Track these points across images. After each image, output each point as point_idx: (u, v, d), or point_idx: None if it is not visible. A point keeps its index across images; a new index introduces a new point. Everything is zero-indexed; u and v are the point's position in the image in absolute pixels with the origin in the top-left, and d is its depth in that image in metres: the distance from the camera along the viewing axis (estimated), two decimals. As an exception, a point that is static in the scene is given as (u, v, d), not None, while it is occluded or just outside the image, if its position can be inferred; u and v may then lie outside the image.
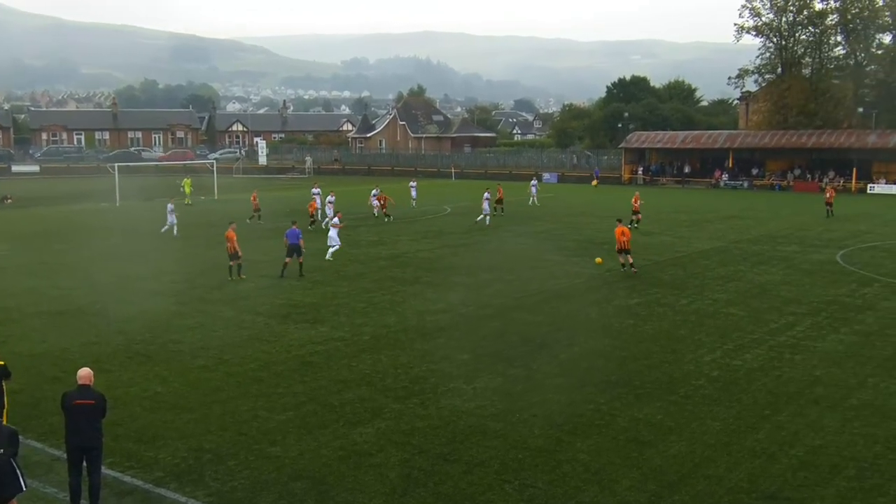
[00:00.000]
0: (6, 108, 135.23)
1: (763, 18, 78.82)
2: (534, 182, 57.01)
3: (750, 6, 78.99)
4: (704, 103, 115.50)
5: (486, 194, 43.51)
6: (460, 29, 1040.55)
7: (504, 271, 28.64)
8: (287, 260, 27.74)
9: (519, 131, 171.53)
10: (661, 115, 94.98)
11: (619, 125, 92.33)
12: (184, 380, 16.31)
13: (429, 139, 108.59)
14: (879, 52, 77.12)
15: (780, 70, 78.67)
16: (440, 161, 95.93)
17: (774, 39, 78.91)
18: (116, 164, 60.06)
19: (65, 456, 11.15)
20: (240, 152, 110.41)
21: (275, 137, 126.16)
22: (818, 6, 77.34)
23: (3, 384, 12.41)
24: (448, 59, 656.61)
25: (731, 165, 75.42)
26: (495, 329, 20.52)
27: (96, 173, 79.68)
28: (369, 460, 12.41)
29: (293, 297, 24.31)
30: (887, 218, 46.95)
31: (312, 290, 25.26)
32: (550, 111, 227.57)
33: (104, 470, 11.33)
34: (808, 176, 71.74)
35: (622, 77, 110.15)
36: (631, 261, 28.20)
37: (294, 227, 28.45)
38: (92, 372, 11.16)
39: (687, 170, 77.76)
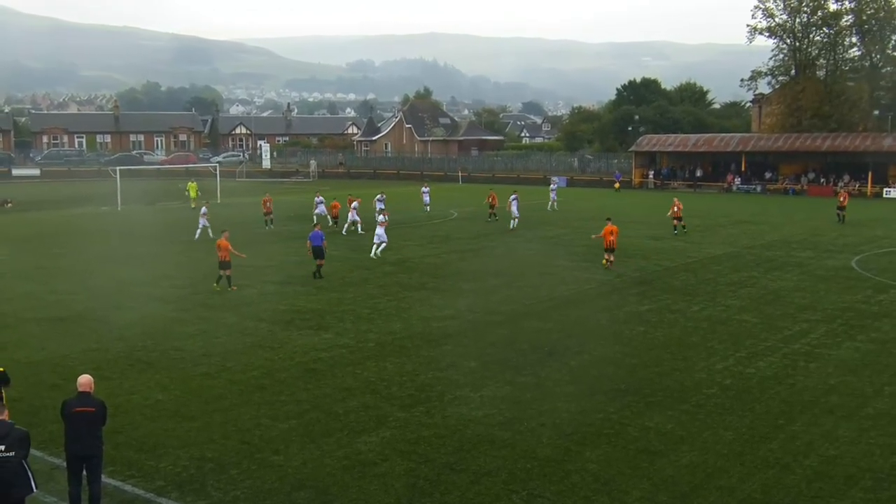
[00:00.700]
0: (6, 110, 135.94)
1: (776, 19, 78.84)
2: (553, 186, 56.90)
3: (763, 7, 79.02)
4: (716, 106, 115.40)
5: (513, 196, 43.59)
6: (467, 30, 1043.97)
7: (513, 277, 28.62)
8: (320, 262, 28.19)
9: (527, 134, 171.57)
10: (672, 117, 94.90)
11: (630, 128, 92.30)
12: (185, 387, 16.32)
13: (435, 142, 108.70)
14: (895, 53, 76.98)
15: (793, 72, 78.61)
16: (447, 164, 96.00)
17: (788, 41, 78.86)
18: (118, 168, 60.24)
19: (64, 464, 11.17)
20: (243, 156, 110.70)
21: (279, 140, 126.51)
22: (833, 7, 77.31)
23: (3, 391, 12.43)
24: (455, 61, 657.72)
25: (743, 169, 75.31)
26: (503, 336, 20.49)
27: (97, 177, 79.91)
28: (374, 470, 12.39)
29: (297, 303, 24.33)
30: (904, 223, 46.79)
31: (317, 296, 25.27)
32: (559, 114, 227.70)
33: (104, 479, 11.34)
34: (823, 180, 71.59)
35: (632, 79, 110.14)
36: (612, 259, 30.27)
37: (317, 229, 28.85)
38: (92, 379, 11.17)
39: (699, 174, 77.67)
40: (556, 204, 54.13)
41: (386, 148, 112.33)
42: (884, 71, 77.12)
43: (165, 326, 21.26)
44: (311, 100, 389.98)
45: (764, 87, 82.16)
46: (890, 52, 77.33)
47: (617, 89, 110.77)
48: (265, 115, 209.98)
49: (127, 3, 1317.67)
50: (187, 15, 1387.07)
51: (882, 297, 25.40)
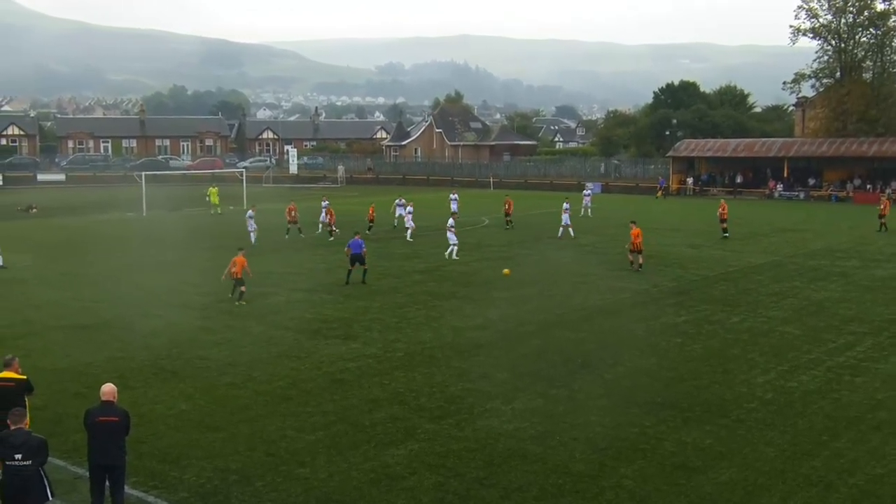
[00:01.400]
0: (32, 115, 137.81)
1: (820, 20, 77.99)
2: (587, 192, 56.69)
3: (806, 7, 78.21)
4: (758, 109, 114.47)
5: (565, 205, 43.52)
6: (500, 32, 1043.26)
7: (545, 286, 28.56)
8: (350, 268, 28.54)
9: (561, 139, 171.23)
10: (711, 121, 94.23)
11: (667, 132, 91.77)
12: (210, 397, 16.44)
13: (466, 147, 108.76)
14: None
15: (838, 74, 77.69)
16: (478, 170, 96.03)
17: (833, 42, 77.97)
18: (143, 173, 60.94)
19: (87, 474, 11.28)
20: (270, 161, 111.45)
21: (306, 145, 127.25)
22: (880, 7, 76.29)
23: (27, 399, 12.60)
24: (487, 64, 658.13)
25: (786, 175, 74.56)
26: (536, 347, 20.44)
27: (123, 182, 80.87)
28: (401, 483, 12.40)
29: (324, 311, 24.43)
30: (955, 231, 46.06)
31: (344, 305, 25.36)
32: (594, 118, 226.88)
33: (127, 489, 11.44)
34: (869, 186, 70.69)
35: (670, 82, 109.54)
36: (641, 261, 31.24)
37: (357, 237, 29.14)
38: (116, 388, 11.29)
39: (739, 180, 77.00)
40: (590, 211, 53.94)
41: (415, 153, 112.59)
42: (934, 73, 76.07)
43: (191, 335, 21.45)
44: (339, 104, 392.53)
45: (807, 89, 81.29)
46: (940, 53, 76.23)
47: (654, 92, 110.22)
48: (293, 119, 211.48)
49: (154, 6, 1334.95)
50: (215, 18, 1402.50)
51: (932, 308, 25.01)
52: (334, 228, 42.49)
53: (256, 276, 29.41)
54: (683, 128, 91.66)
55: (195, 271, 31.48)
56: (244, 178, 65.67)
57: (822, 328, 22.37)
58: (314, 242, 40.43)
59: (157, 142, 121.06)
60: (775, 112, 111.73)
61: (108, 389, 11.15)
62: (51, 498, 10.13)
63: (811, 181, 73.77)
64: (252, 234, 39.55)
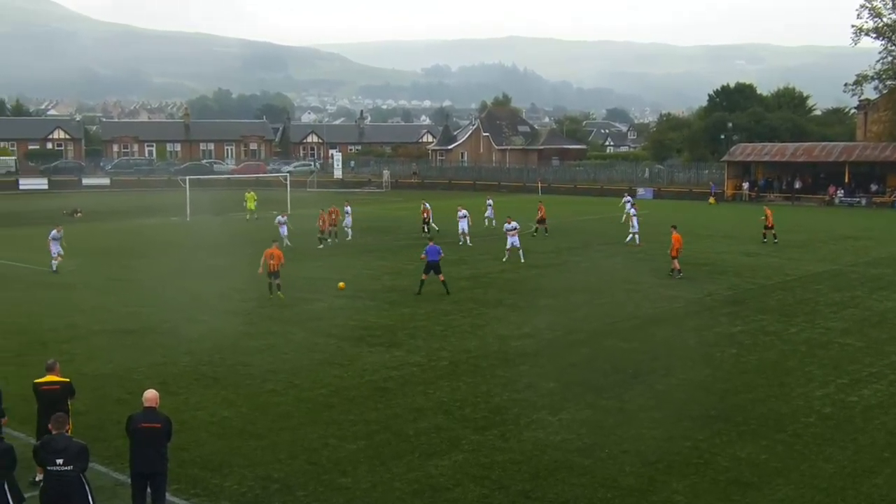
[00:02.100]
0: (78, 119, 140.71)
1: (884, 19, 76.47)
2: (627, 199, 56.29)
3: (869, 6, 76.75)
4: (817, 112, 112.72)
5: (632, 210, 43.23)
6: (549, 34, 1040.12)
7: (595, 294, 28.40)
8: (424, 276, 28.31)
9: (611, 143, 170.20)
10: (768, 125, 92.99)
11: (722, 136, 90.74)
12: (252, 404, 16.59)
13: (514, 151, 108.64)
14: None
15: (903, 75, 76.16)
16: (525, 175, 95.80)
17: (897, 42, 76.48)
18: (187, 177, 61.75)
19: (129, 481, 11.45)
20: (314, 165, 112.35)
21: (351, 149, 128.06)
22: (947, 4, 74.76)
23: (69, 403, 12.83)
24: (535, 66, 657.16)
25: (847, 181, 73.30)
26: (584, 356, 20.33)
27: (167, 186, 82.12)
28: (445, 495, 12.39)
29: (368, 318, 24.54)
30: None
31: (388, 312, 25.46)
32: (646, 121, 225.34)
33: (168, 496, 11.58)
34: (936, 192, 69.19)
35: (725, 84, 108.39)
36: (675, 267, 31.48)
37: (431, 243, 29.13)
38: (158, 394, 11.45)
39: (797, 185, 75.86)
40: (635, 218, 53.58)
41: (462, 157, 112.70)
42: None
43: (233, 341, 21.68)
44: (384, 107, 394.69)
45: (870, 91, 79.77)
46: None
47: (709, 95, 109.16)
48: (337, 122, 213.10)
49: (199, 10, 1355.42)
50: (260, 21, 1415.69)
51: None
52: (324, 234, 41.85)
53: (300, 282, 29.84)
54: (739, 131, 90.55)
55: (238, 276, 31.81)
56: (288, 182, 66.24)
57: (885, 340, 21.95)
58: (359, 248, 40.60)
59: (202, 146, 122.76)
60: (836, 115, 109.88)
61: (151, 395, 11.32)
62: None
63: (873, 187, 72.41)
64: (284, 239, 39.80)
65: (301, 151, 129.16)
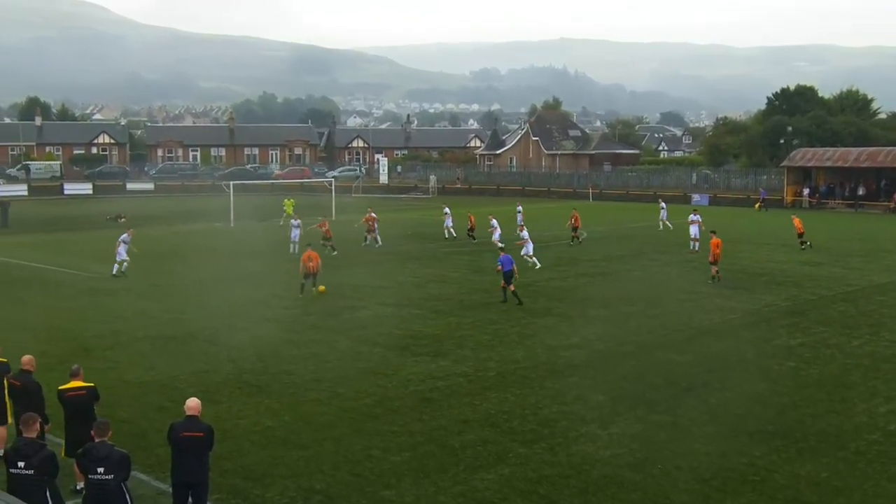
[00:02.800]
0: (123, 123, 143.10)
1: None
2: (663, 205, 55.87)
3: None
4: (883, 116, 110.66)
5: (692, 217, 43.02)
6: (601, 35, 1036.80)
7: (647, 304, 28.18)
8: (511, 287, 28.22)
9: (665, 148, 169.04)
10: (830, 129, 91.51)
11: (782, 141, 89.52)
12: (295, 414, 16.71)
13: (564, 156, 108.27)
14: None
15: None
16: (576, 180, 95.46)
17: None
18: (231, 183, 62.47)
19: (170, 490, 11.60)
20: (360, 170, 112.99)
21: (397, 154, 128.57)
22: None
23: (94, 408, 13.02)
24: (587, 69, 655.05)
25: (914, 187, 71.88)
26: (636, 368, 20.18)
27: (211, 192, 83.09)
28: (492, 510, 12.35)
29: (413, 327, 24.61)
30: None
31: (434, 321, 25.50)
32: (702, 125, 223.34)
33: (210, 507, 11.70)
34: None
35: (785, 86, 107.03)
36: (714, 272, 32.05)
37: (504, 252, 29.14)
38: (200, 403, 11.59)
39: (861, 192, 74.55)
40: (668, 223, 53.17)
41: (511, 162, 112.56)
42: None
43: (276, 349, 21.87)
44: (431, 111, 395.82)
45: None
46: None
47: (768, 98, 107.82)
48: (383, 127, 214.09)
49: (246, 13, 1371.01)
50: (306, 23, 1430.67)
51: None
52: (328, 240, 41.32)
53: (344, 289, 30.04)
54: (799, 136, 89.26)
55: (282, 283, 32.08)
56: (333, 187, 66.68)
57: (954, 354, 21.48)
58: (404, 255, 40.72)
59: (246, 150, 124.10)
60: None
61: (193, 404, 11.46)
62: None
63: (942, 194, 70.91)
64: (293, 244, 40.07)
65: (346, 156, 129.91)
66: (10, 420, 14.02)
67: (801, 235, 42.60)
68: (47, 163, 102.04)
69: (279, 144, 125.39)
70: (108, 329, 24.33)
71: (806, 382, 19.05)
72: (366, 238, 44.13)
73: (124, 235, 35.16)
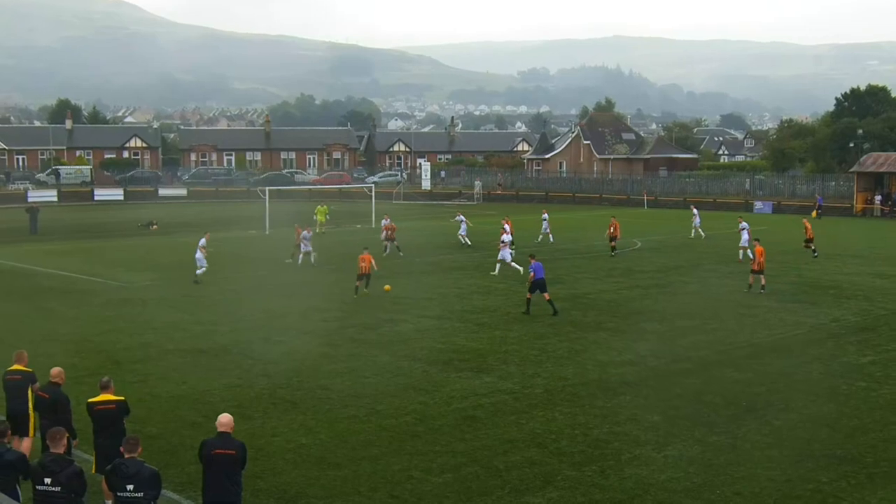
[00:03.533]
0: (155, 126, 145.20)
1: None
2: (695, 212, 55.45)
3: None
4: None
5: (742, 223, 42.88)
6: (657, 33, 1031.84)
7: (705, 318, 27.94)
8: (529, 296, 28.47)
9: (726, 152, 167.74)
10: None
11: (851, 145, 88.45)
12: (332, 431, 16.78)
13: (617, 161, 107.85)
14: None
15: None
16: (630, 186, 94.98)
17: None
18: (267, 188, 63.00)
19: (201, 510, 11.69)
20: (401, 175, 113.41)
21: (440, 158, 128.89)
22: None
23: (124, 422, 13.18)
24: (642, 68, 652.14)
25: None
26: (693, 387, 20.00)
27: (246, 198, 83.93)
28: (538, 536, 12.30)
29: (456, 341, 24.61)
30: None
31: (478, 335, 25.49)
32: (765, 128, 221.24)
33: (242, 528, 11.77)
34: None
35: (855, 86, 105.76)
36: (763, 283, 32.28)
37: (534, 260, 29.12)
38: (232, 418, 11.69)
39: (938, 199, 73.31)
40: (700, 231, 52.93)
41: (560, 167, 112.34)
42: None
43: (312, 363, 21.99)
44: (477, 113, 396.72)
45: None
46: None
47: (836, 98, 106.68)
48: (426, 130, 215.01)
49: (284, 11, 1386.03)
50: (346, 22, 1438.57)
51: None
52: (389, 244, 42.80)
53: (384, 301, 30.15)
54: (871, 139, 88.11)
55: (319, 294, 32.28)
56: (373, 193, 66.98)
57: None
58: (447, 266, 40.77)
59: (283, 155, 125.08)
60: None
61: (226, 420, 11.55)
62: None
63: None
64: (301, 255, 40.42)
65: (387, 161, 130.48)
66: (31, 433, 14.28)
67: (809, 240, 43.01)
68: (77, 167, 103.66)
69: (317, 148, 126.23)
70: (139, 341, 24.64)
71: (877, 404, 18.75)
72: (385, 247, 44.29)
73: (203, 241, 36.15)
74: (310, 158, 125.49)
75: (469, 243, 47.77)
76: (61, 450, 10.84)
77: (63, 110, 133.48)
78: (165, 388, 19.69)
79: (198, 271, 35.32)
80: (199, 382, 20.20)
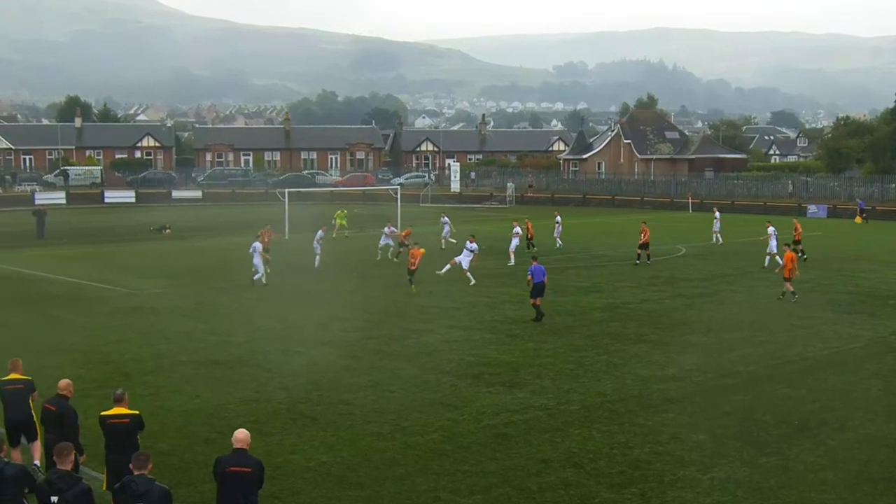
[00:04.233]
0: (169, 124, 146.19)
1: None
2: (717, 215, 55.03)
3: None
4: None
5: (770, 229, 42.67)
6: (703, 24, 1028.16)
7: (754, 330, 27.77)
8: (536, 302, 28.82)
9: (777, 151, 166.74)
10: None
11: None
12: (354, 449, 16.80)
13: (660, 161, 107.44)
14: None
15: None
16: (674, 189, 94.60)
17: None
18: (286, 190, 63.22)
19: (215, 532, 11.73)
20: (429, 177, 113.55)
21: (470, 159, 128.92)
22: None
23: (138, 437, 13.25)
24: (687, 62, 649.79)
25: None
26: (741, 404, 19.88)
27: (264, 200, 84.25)
28: (574, 563, 12.26)
29: (487, 353, 24.59)
30: None
31: (510, 347, 25.45)
32: (819, 126, 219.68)
33: (258, 551, 11.79)
34: None
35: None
36: (791, 289, 32.40)
37: (536, 262, 29.52)
38: (249, 434, 11.72)
39: None
40: (720, 236, 52.87)
41: (599, 168, 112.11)
42: None
43: (334, 376, 22.03)
44: (509, 110, 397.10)
45: None
46: None
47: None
48: (456, 128, 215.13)
49: (305, 3, 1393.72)
50: (372, 14, 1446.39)
51: None
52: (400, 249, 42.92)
53: (409, 310, 30.18)
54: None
55: (340, 303, 32.35)
56: (399, 196, 67.05)
57: None
58: (476, 273, 40.75)
59: (303, 154, 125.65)
60: None
61: (242, 436, 11.58)
62: None
63: None
64: (317, 257, 40.87)
65: (414, 161, 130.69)
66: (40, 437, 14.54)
67: (797, 243, 43.06)
68: (87, 168, 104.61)
69: (339, 148, 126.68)
70: (150, 352, 24.79)
71: (941, 423, 18.57)
72: (398, 253, 44.43)
73: (256, 244, 36.74)
74: (332, 159, 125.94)
75: (455, 242, 48.24)
76: (68, 466, 10.91)
77: (72, 108, 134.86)
78: (178, 402, 19.79)
79: (258, 275, 36.17)
80: (214, 396, 20.28)
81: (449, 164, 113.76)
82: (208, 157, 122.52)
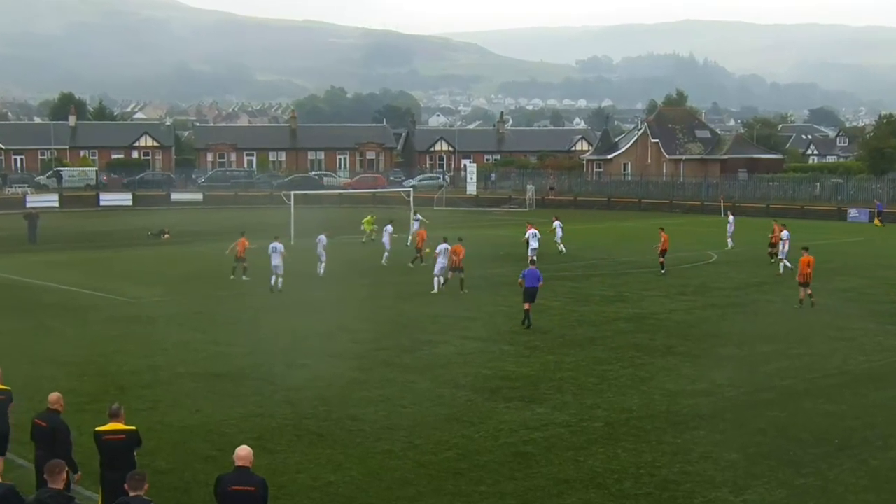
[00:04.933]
0: (168, 123, 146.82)
1: None
2: (731, 218, 54.85)
3: None
4: None
5: (784, 233, 42.67)
6: (736, 16, 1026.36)
7: (790, 343, 27.70)
8: (526, 306, 29.21)
9: (816, 151, 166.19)
10: None
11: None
12: (363, 468, 16.81)
13: (690, 162, 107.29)
14: None
15: None
16: (704, 191, 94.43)
17: None
18: (292, 193, 63.32)
19: (215, 555, 11.75)
20: (443, 178, 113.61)
21: (488, 159, 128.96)
22: None
23: (135, 454, 13.28)
24: (718, 57, 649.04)
25: None
26: (776, 421, 19.82)
27: (268, 203, 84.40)
28: (597, 590, 12.24)
29: (505, 366, 24.57)
30: None
31: (529, 359, 25.43)
32: (860, 124, 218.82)
33: (261, 576, 11.80)
34: None
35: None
36: (809, 293, 32.85)
37: (532, 266, 29.84)
38: (252, 452, 11.72)
39: None
40: (731, 241, 53.05)
41: (624, 169, 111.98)
42: None
43: (342, 390, 22.04)
44: (529, 108, 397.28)
45: None
46: None
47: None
48: (472, 127, 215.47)
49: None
50: (383, 6, 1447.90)
51: None
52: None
53: (422, 320, 30.17)
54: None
55: (350, 312, 32.36)
56: (411, 198, 67.07)
57: None
58: (494, 281, 40.75)
59: (310, 155, 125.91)
60: None
61: (244, 454, 11.59)
62: None
63: None
64: (321, 264, 41.02)
65: (427, 161, 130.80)
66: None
67: (772, 245, 43.93)
68: (81, 169, 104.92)
69: (349, 148, 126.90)
70: (147, 363, 24.84)
71: None
72: (414, 259, 44.49)
73: (274, 244, 37.47)
74: (340, 159, 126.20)
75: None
76: (60, 485, 10.93)
77: (66, 105, 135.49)
78: (177, 417, 19.83)
79: (274, 278, 36.82)
80: (215, 411, 20.32)
81: (465, 165, 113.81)
82: (209, 157, 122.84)
